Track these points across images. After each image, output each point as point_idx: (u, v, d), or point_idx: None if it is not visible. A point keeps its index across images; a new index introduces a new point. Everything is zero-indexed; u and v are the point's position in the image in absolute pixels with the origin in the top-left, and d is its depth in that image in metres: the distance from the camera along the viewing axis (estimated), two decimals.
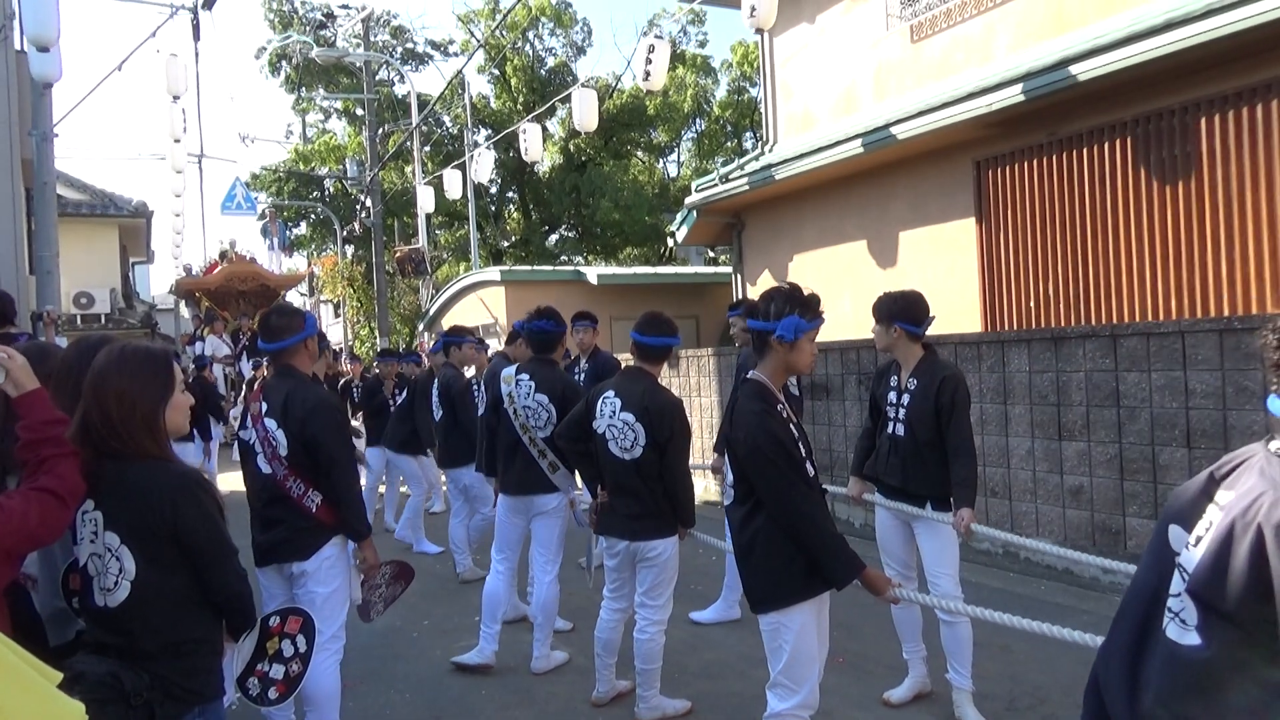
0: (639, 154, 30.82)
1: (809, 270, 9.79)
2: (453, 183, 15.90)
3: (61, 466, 2.01)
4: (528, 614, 5.28)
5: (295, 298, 26.35)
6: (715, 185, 10.58)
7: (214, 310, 17.59)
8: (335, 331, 27.41)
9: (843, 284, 9.01)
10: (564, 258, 29.01)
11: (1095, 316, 6.93)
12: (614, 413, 3.78)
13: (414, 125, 20.45)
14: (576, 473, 4.41)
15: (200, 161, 21.90)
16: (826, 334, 3.37)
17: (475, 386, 6.97)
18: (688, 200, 11.28)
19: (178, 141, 12.71)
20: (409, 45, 29.65)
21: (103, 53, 68.53)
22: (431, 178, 18.89)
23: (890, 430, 3.83)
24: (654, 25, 26.56)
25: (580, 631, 5.02)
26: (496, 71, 28.47)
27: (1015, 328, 7.54)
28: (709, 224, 11.41)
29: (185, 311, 21.96)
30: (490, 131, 26.44)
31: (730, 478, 2.91)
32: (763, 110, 11.31)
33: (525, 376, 4.49)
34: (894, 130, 7.92)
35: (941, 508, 3.67)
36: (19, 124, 8.78)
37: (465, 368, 6.81)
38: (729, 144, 29.85)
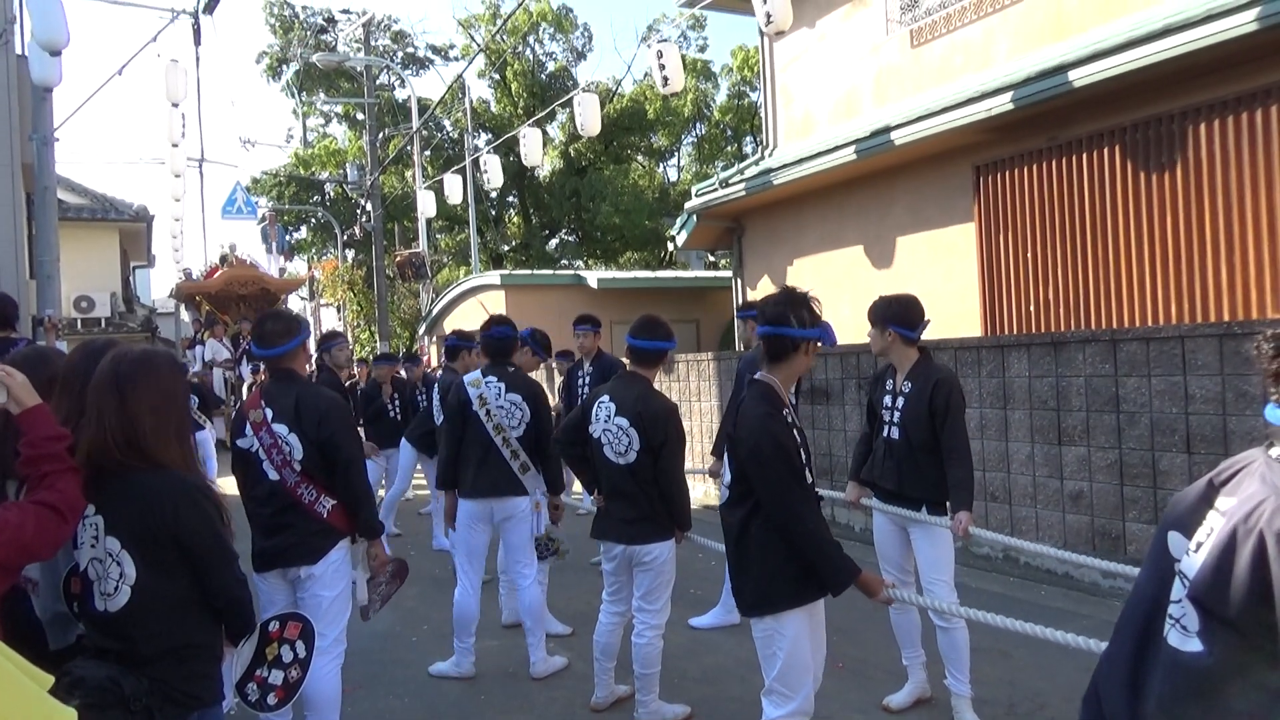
0: (639, 158, 30.86)
1: (809, 275, 9.80)
2: (453, 187, 15.92)
3: (62, 482, 2.02)
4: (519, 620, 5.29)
5: (295, 302, 26.36)
6: (715, 190, 10.59)
7: (214, 314, 17.58)
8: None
9: (842, 288, 9.02)
10: (564, 262, 29.06)
11: (1095, 321, 6.94)
12: (609, 417, 3.78)
13: (414, 130, 20.49)
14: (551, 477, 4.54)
15: (201, 166, 21.92)
16: None
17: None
18: (688, 205, 11.30)
19: (176, 146, 12.72)
20: (409, 50, 29.74)
21: (104, 57, 68.69)
22: (432, 182, 18.91)
23: (886, 434, 3.83)
24: (653, 30, 26.65)
25: (579, 636, 5.01)
26: (497, 76, 28.53)
27: (1015, 332, 7.54)
28: (709, 228, 11.43)
29: (185, 315, 21.96)
30: (490, 136, 26.50)
31: (728, 477, 2.91)
32: (763, 115, 11.33)
33: (493, 379, 4.52)
34: (894, 135, 7.93)
35: (937, 511, 3.68)
36: (20, 128, 8.80)
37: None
38: (729, 148, 29.91)
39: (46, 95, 8.53)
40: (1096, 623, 4.69)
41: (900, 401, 3.76)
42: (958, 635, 3.68)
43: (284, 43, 28.13)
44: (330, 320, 29.90)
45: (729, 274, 12.82)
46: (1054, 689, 4.10)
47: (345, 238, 27.21)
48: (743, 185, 10.06)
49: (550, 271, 20.46)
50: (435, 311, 18.08)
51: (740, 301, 11.12)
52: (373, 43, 24.78)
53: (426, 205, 17.95)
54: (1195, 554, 1.35)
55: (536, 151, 12.63)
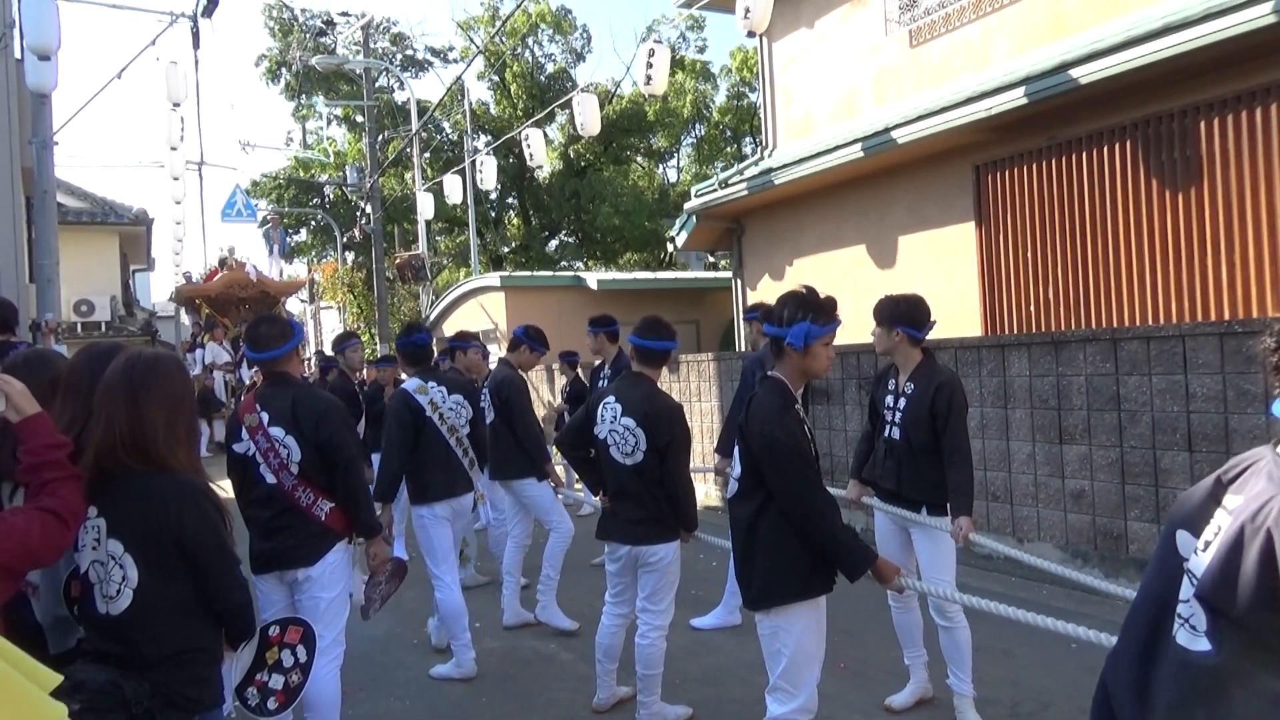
0: (639, 159, 30.86)
1: (809, 275, 9.79)
2: (453, 189, 15.91)
3: (64, 489, 2.02)
4: (523, 620, 5.29)
5: (295, 304, 26.37)
6: (715, 190, 10.58)
7: (214, 317, 17.57)
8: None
9: (842, 288, 8.99)
10: (564, 263, 29.06)
11: (1095, 320, 6.93)
12: (615, 418, 3.78)
13: (414, 132, 20.48)
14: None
15: (200, 169, 21.87)
16: None
17: (482, 392, 6.97)
18: (687, 205, 11.29)
19: (175, 149, 12.72)
20: (409, 52, 29.72)
21: (103, 61, 68.70)
22: (431, 184, 18.90)
23: (887, 434, 3.83)
24: (653, 31, 26.65)
25: (581, 637, 5.01)
26: (496, 78, 28.54)
27: (1015, 331, 7.53)
28: (709, 229, 11.42)
29: (186, 319, 21.95)
30: (490, 137, 26.49)
31: (737, 470, 2.90)
32: (762, 115, 11.33)
33: (434, 384, 4.74)
34: (893, 135, 7.92)
35: (937, 513, 3.67)
36: (19, 132, 8.79)
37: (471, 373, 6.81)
38: (729, 149, 29.91)
39: (45, 99, 8.52)
40: (1099, 622, 4.66)
41: (902, 402, 3.75)
42: (960, 634, 3.67)
43: (283, 45, 28.12)
44: (331, 323, 29.90)
45: (729, 275, 12.80)
46: (1057, 688, 4.09)
47: (345, 240, 27.19)
48: (742, 186, 10.06)
49: (550, 273, 20.45)
50: (435, 314, 18.07)
51: (741, 302, 11.13)
52: (372, 45, 24.74)
53: (426, 207, 17.94)
54: (1203, 553, 1.34)
55: (541, 151, 12.61)
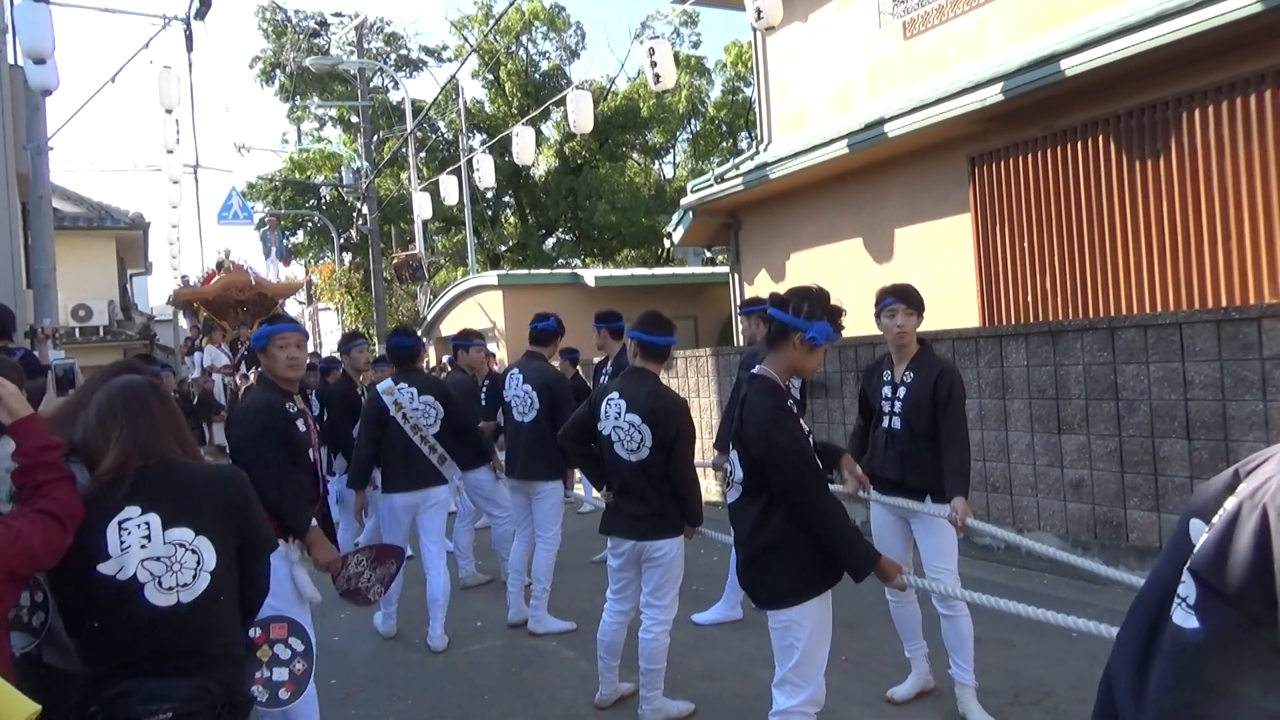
0: (634, 156, 30.83)
1: (806, 268, 9.79)
2: (449, 188, 15.89)
3: (59, 490, 2.02)
4: (526, 617, 5.29)
5: (293, 306, 26.36)
6: (711, 185, 10.58)
7: (212, 320, 17.54)
8: (334, 339, 27.39)
9: (839, 281, 8.99)
10: (561, 261, 29.03)
11: (1092, 309, 6.93)
12: (619, 414, 3.78)
13: (409, 131, 20.46)
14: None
15: (196, 172, 21.86)
16: None
17: (483, 391, 6.99)
18: (684, 201, 11.28)
19: (171, 152, 12.71)
20: (403, 52, 29.70)
21: (96, 65, 68.63)
22: (427, 183, 18.89)
23: (886, 424, 3.82)
24: (646, 27, 26.63)
25: (583, 634, 5.01)
26: (491, 76, 28.49)
27: (1012, 322, 7.53)
28: (705, 224, 11.42)
29: (184, 322, 21.94)
30: (485, 136, 26.48)
31: (738, 474, 2.90)
32: (757, 110, 11.32)
33: (404, 385, 5.07)
34: (888, 127, 7.92)
35: (940, 500, 3.66)
36: (14, 138, 8.78)
37: (473, 371, 6.90)
38: (724, 144, 29.88)
39: (40, 104, 8.51)
40: (1100, 611, 4.68)
41: (901, 391, 3.75)
42: (961, 624, 3.68)
43: (277, 47, 28.08)
44: (330, 324, 29.90)
45: (726, 270, 12.80)
46: (1058, 677, 4.10)
47: (342, 241, 27.18)
48: (738, 180, 10.05)
49: (547, 271, 20.44)
50: (433, 313, 18.07)
51: (738, 296, 11.13)
52: (366, 45, 24.70)
53: (422, 207, 17.93)
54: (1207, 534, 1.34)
55: (529, 151, 12.57)
